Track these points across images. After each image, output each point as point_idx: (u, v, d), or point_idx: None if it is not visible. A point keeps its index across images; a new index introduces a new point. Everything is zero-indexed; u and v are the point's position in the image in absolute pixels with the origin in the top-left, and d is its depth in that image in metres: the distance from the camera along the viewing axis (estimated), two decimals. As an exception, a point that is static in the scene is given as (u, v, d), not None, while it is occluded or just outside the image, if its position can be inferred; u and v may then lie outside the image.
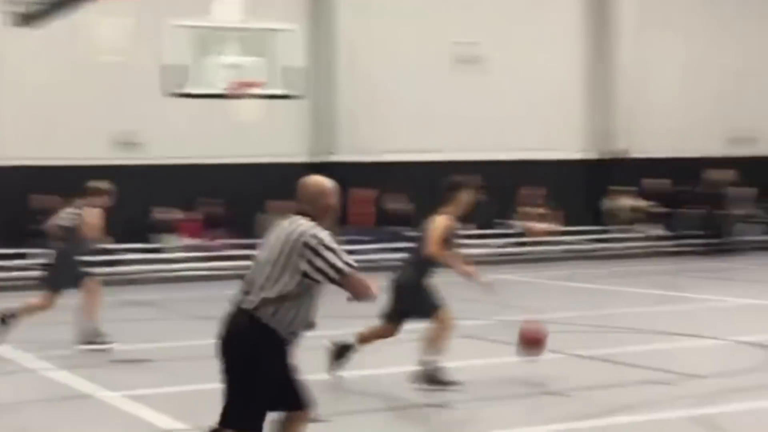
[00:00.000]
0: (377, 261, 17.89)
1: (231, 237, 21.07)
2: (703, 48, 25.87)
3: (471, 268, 9.39)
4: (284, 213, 5.84)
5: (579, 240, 23.85)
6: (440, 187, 9.39)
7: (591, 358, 10.70)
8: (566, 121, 24.84)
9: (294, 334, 5.53)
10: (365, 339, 9.54)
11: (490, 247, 22.35)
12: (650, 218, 24.25)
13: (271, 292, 5.44)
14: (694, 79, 25.80)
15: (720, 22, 26.10)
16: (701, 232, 23.84)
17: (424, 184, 17.82)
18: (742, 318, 13.68)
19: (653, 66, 25.21)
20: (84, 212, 11.73)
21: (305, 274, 5.44)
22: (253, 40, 15.33)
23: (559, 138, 24.65)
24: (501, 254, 22.31)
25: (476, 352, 10.92)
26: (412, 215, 19.56)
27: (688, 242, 23.72)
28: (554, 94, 24.67)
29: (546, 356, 9.54)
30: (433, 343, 9.16)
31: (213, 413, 5.52)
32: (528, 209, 23.33)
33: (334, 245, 5.50)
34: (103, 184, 11.97)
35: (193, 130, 21.42)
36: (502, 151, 23.65)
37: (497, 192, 20.38)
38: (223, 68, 15.09)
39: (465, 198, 9.28)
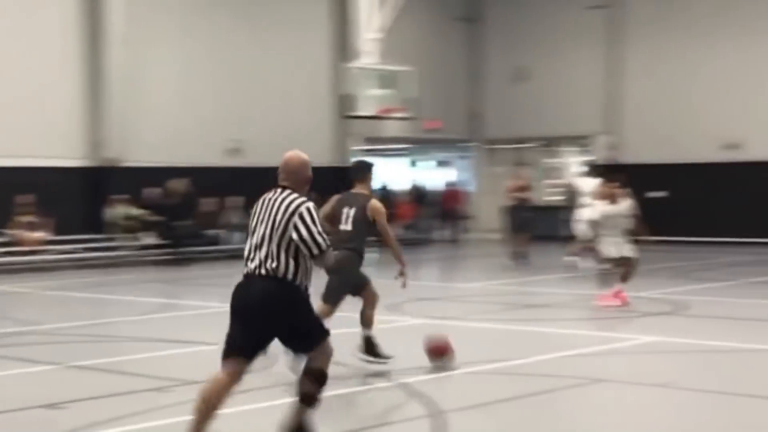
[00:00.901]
0: None
1: None
2: (197, 60, 26.70)
3: None
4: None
5: (75, 249, 23.55)
6: None
7: (89, 368, 10.61)
8: (61, 128, 24.43)
9: (308, 284, 6.90)
10: None
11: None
12: (146, 227, 24.50)
13: (282, 258, 6.75)
14: (191, 90, 26.52)
15: (214, 34, 27.05)
16: (189, 241, 24.53)
17: None
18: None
19: (148, 76, 25.53)
20: None
21: (293, 241, 6.72)
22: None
23: (54, 145, 24.18)
24: (-7, 264, 21.56)
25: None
26: None
27: (181, 251, 24.22)
28: (49, 101, 24.22)
29: (41, 368, 9.35)
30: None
31: None
32: (19, 218, 22.69)
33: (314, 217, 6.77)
34: None
35: None
36: (-4, 157, 22.90)
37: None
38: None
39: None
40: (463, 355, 10.46)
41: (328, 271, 9.86)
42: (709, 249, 26.45)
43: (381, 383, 9.74)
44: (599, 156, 31.46)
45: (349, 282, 10.29)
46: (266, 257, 6.76)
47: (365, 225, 10.28)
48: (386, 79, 24.78)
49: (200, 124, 26.54)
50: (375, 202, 10.31)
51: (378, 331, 10.53)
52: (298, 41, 28.81)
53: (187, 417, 6.80)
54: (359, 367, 10.20)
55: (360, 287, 10.39)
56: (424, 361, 10.25)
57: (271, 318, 6.76)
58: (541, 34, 32.57)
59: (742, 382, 9.77)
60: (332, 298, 10.22)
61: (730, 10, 28.83)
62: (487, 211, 32.99)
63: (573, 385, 9.66)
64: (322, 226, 6.87)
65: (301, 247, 6.72)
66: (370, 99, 24.66)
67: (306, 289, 6.89)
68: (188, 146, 26.07)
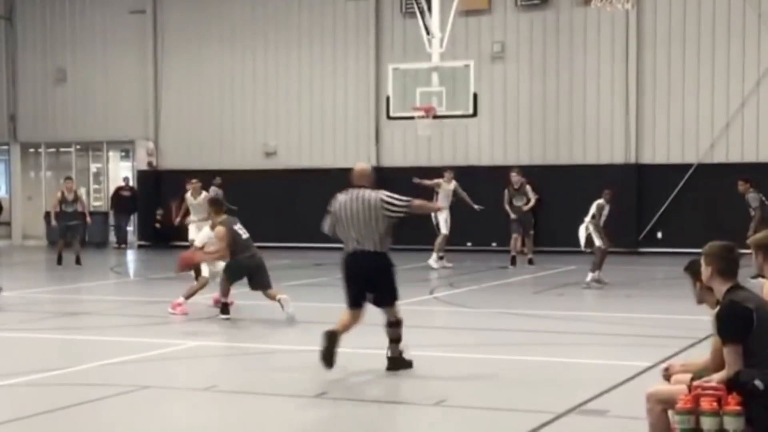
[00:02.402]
0: None
1: None
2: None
3: None
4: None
5: None
6: None
7: None
8: None
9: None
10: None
11: None
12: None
13: (377, 237, 10.18)
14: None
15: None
16: None
17: None
18: None
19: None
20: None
21: (389, 217, 10.16)
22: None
23: None
24: None
25: None
26: None
27: None
28: None
29: None
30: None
31: None
32: None
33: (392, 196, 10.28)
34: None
35: None
36: None
37: None
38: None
39: None
40: (-1, 368, 9.96)
41: None
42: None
43: None
44: (140, 162, 31.39)
45: None
46: (362, 238, 10.17)
47: None
48: None
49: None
50: None
51: None
52: None
53: None
54: None
55: None
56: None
57: (373, 279, 10.33)
58: (80, 36, 31.86)
59: (280, 383, 10.12)
60: None
61: (269, 18, 29.79)
62: (25, 217, 31.72)
63: (117, 393, 9.51)
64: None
65: (394, 215, 10.23)
66: None
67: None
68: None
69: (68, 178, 25.49)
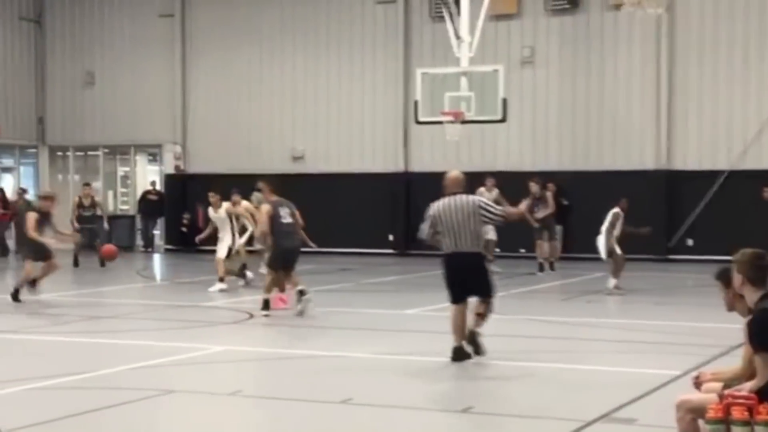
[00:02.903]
0: None
1: None
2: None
3: None
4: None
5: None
6: None
7: None
8: None
9: None
10: None
11: None
12: None
13: (474, 238, 11.30)
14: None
15: None
16: None
17: None
18: None
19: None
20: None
21: (485, 221, 11.44)
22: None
23: None
24: None
25: None
26: None
27: None
28: None
29: None
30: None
31: None
32: None
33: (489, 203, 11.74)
34: None
35: None
36: None
37: None
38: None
39: None
40: (24, 370, 9.94)
41: None
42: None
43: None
44: (167, 165, 31.46)
45: None
46: (462, 240, 11.22)
47: None
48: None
49: None
50: None
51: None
52: None
53: None
54: None
55: None
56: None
57: (472, 276, 11.39)
58: (109, 39, 31.97)
59: (305, 388, 10.05)
60: None
61: (297, 22, 29.81)
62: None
63: (143, 398, 9.47)
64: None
65: (491, 222, 11.88)
66: None
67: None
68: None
69: (86, 184, 25.95)
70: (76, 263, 23.48)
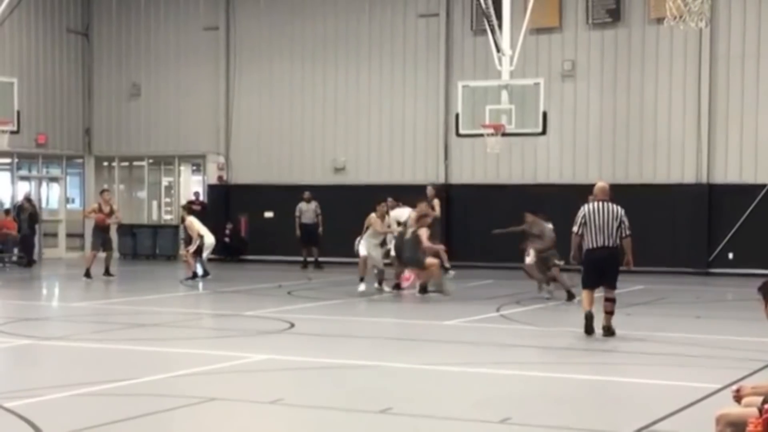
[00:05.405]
0: None
1: None
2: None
3: None
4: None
5: None
6: None
7: None
8: None
9: None
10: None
11: None
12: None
13: (614, 236, 14.04)
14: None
15: None
16: None
17: None
18: None
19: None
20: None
21: (619, 227, 14.13)
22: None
23: None
24: None
25: None
26: None
27: None
28: None
29: None
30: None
31: None
32: None
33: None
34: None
35: None
36: None
37: None
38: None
39: None
40: (70, 376, 10.12)
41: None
42: (314, 268, 27.27)
43: (-18, 409, 9.22)
44: (211, 176, 31.72)
45: None
46: (607, 237, 13.97)
47: None
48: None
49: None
50: None
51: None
52: None
53: None
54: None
55: None
56: (29, 383, 9.80)
57: (608, 266, 14.10)
58: (154, 51, 32.36)
59: (345, 397, 10.15)
60: None
61: (339, 35, 30.02)
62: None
63: (184, 405, 9.61)
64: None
65: (625, 231, 14.11)
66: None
67: None
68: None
69: (105, 190, 25.85)
70: (87, 274, 23.36)
